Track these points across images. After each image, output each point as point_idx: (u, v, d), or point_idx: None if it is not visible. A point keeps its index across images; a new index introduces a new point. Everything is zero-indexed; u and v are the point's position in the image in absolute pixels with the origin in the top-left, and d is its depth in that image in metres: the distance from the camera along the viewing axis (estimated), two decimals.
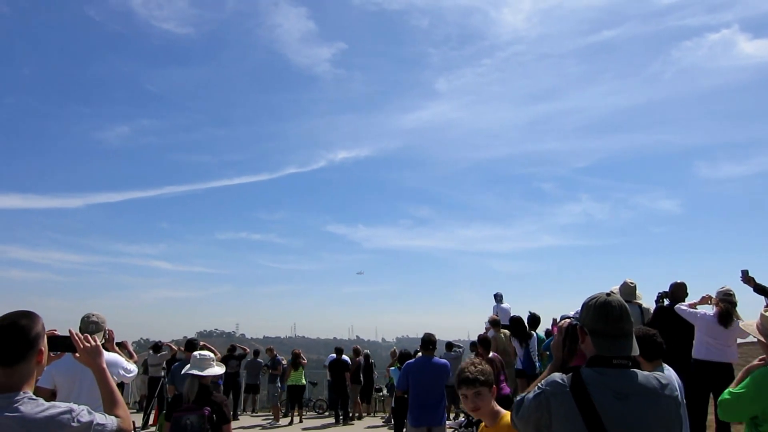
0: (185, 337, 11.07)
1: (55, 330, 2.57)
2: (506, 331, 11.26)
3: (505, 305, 13.47)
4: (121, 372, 5.14)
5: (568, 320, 2.69)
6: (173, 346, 14.05)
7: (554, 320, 10.18)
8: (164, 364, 13.44)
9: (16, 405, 2.07)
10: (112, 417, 2.39)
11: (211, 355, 5.67)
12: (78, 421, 2.14)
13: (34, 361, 2.21)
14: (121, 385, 12.76)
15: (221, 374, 6.07)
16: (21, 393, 2.12)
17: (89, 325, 5.14)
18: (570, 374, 2.39)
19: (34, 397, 2.16)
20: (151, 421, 13.09)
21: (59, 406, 2.14)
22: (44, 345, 2.27)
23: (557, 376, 2.41)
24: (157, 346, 14.21)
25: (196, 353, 5.71)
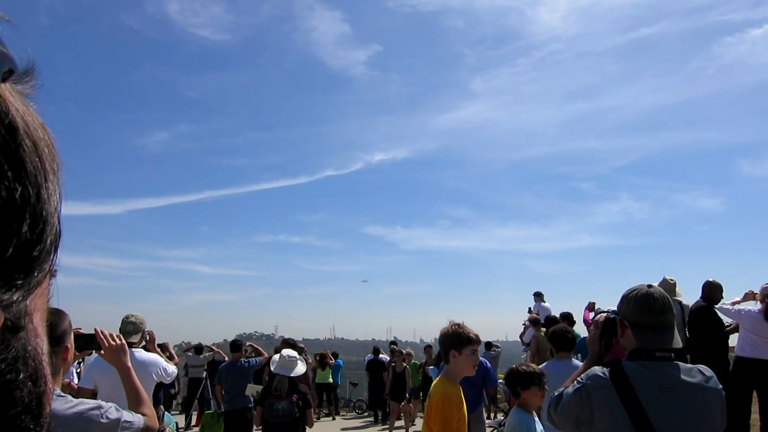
0: (225, 339, 11.20)
1: (80, 328, 2.62)
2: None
3: (545, 304, 13.33)
4: (161, 373, 5.23)
5: (603, 314, 2.68)
6: (214, 348, 14.27)
7: (590, 304, 9.59)
8: (205, 366, 13.62)
9: None
10: (139, 415, 2.42)
11: (296, 355, 6.56)
12: (107, 417, 2.16)
13: (60, 358, 2.23)
14: (172, 386, 13.11)
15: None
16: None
17: (128, 325, 5.27)
18: (611, 368, 2.37)
19: (62, 393, 2.19)
20: (193, 422, 13.29)
21: (87, 403, 2.17)
22: (71, 342, 2.31)
23: (598, 369, 2.39)
24: (198, 348, 14.38)
25: (284, 354, 6.46)
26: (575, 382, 2.42)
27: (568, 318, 10.44)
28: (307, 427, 6.36)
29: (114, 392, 4.94)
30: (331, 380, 15.78)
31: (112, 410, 2.22)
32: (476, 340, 3.63)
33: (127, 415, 2.31)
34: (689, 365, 2.37)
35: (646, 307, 2.42)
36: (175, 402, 14.96)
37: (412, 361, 14.14)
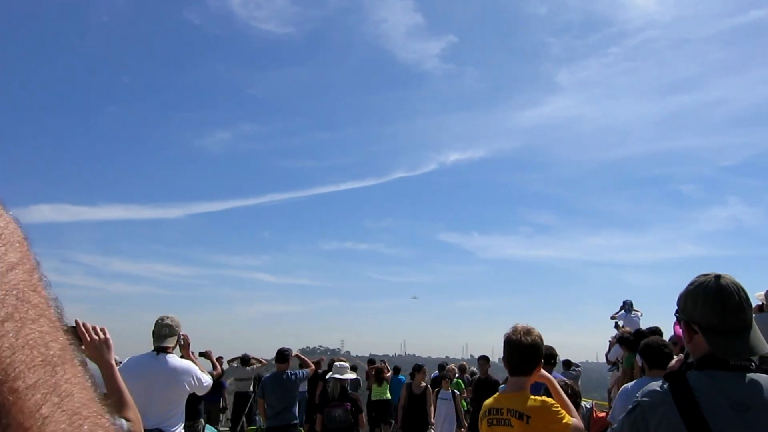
0: None
1: None
2: None
3: (634, 315, 12.62)
4: (194, 382, 5.14)
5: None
6: (262, 360, 14.23)
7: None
8: (253, 379, 13.59)
9: None
10: (122, 420, 2.25)
11: (347, 365, 8.45)
12: None
13: None
14: (219, 400, 13.21)
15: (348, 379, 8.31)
16: None
17: (163, 328, 5.20)
18: (672, 380, 1.99)
19: None
20: None
21: None
22: None
23: (657, 384, 2.04)
24: (245, 359, 14.40)
25: (337, 364, 8.29)
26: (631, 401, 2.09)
27: (656, 333, 9.88)
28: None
29: (144, 400, 4.86)
30: (389, 396, 15.43)
31: None
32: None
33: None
34: None
35: (720, 306, 2.01)
36: (224, 417, 15.04)
37: (455, 379, 13.18)
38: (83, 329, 2.46)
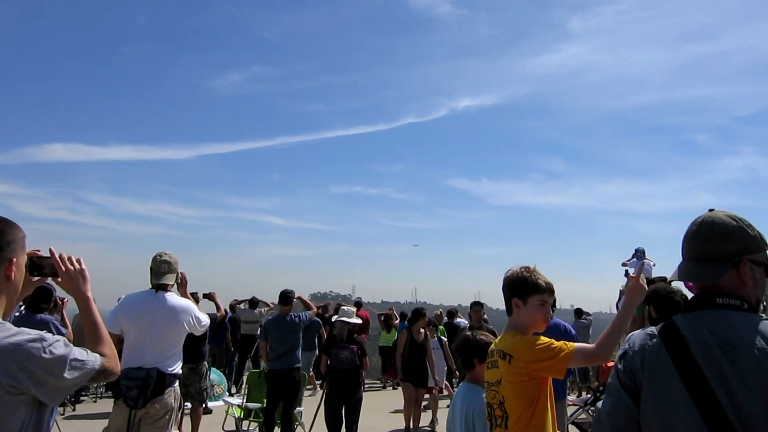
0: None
1: (39, 251, 2.36)
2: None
3: (647, 263, 12.42)
4: (193, 322, 5.14)
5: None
6: (270, 304, 14.25)
7: None
8: (260, 322, 13.60)
9: None
10: (96, 354, 2.15)
11: (353, 310, 8.59)
12: (50, 352, 1.92)
13: (2, 275, 2.02)
14: (222, 341, 13.29)
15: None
16: None
17: (162, 264, 5.17)
18: (661, 324, 1.94)
19: (0, 320, 1.96)
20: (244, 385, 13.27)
21: (28, 333, 1.93)
22: (17, 257, 2.07)
23: (645, 329, 1.99)
24: (253, 302, 14.46)
25: (344, 307, 8.85)
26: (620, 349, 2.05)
27: (667, 283, 9.66)
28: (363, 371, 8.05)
29: (141, 339, 4.92)
30: None
31: (59, 345, 1.98)
32: (546, 289, 3.15)
33: (79, 353, 2.06)
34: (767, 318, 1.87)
35: (703, 234, 1.97)
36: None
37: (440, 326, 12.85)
38: (58, 259, 2.35)
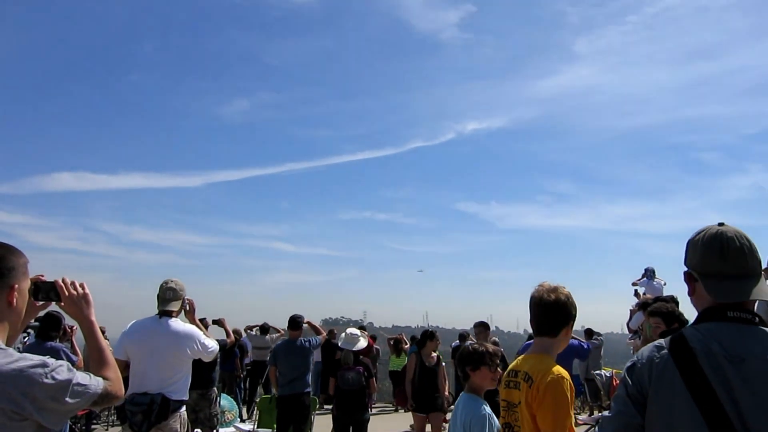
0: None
1: (42, 276, 2.38)
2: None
3: (657, 282, 12.39)
4: (197, 348, 5.10)
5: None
6: (281, 330, 14.21)
7: None
8: (271, 348, 13.54)
9: None
10: (99, 378, 2.15)
11: (359, 332, 8.85)
12: (53, 377, 1.92)
13: (3, 301, 2.02)
14: (233, 366, 13.28)
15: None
16: None
17: (167, 291, 5.18)
18: (670, 336, 1.93)
19: (2, 346, 1.96)
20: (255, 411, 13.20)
21: (31, 359, 1.93)
22: (19, 283, 2.08)
23: (654, 342, 1.97)
24: (264, 328, 14.43)
25: (348, 332, 8.76)
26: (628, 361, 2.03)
27: (674, 302, 9.66)
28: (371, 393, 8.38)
29: (145, 365, 4.92)
30: None
31: (62, 369, 1.98)
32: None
33: (83, 377, 2.05)
34: None
35: (718, 248, 1.94)
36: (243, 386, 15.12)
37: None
38: (61, 284, 2.37)
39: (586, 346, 7.05)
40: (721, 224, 2.03)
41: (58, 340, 7.26)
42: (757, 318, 1.90)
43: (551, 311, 3.10)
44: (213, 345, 5.29)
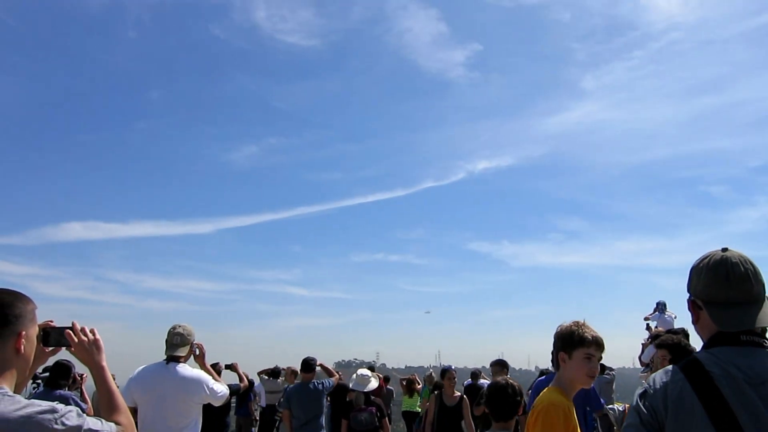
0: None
1: (52, 321, 2.38)
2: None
3: (668, 316, 12.29)
4: (205, 392, 5.02)
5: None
6: (293, 367, 14.11)
7: None
8: (283, 392, 13.46)
9: None
10: (111, 423, 2.13)
11: (369, 373, 8.90)
12: (62, 423, 1.88)
13: (11, 347, 2.00)
14: (247, 411, 13.18)
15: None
16: None
17: (175, 337, 5.13)
18: (683, 362, 1.88)
19: (10, 393, 1.91)
20: None
21: (39, 405, 1.89)
22: (27, 330, 2.06)
23: (666, 367, 1.92)
24: (275, 372, 14.33)
25: (359, 373, 8.72)
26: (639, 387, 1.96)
27: (684, 334, 9.55)
28: None
29: (153, 411, 4.84)
30: (419, 409, 15.27)
31: (71, 415, 1.93)
32: (592, 342, 3.06)
33: (93, 423, 2.01)
34: None
35: (722, 276, 1.90)
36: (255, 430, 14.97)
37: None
38: (71, 330, 2.37)
39: (602, 401, 6.95)
40: (725, 249, 2.00)
41: (67, 389, 7.23)
42: (766, 341, 1.88)
43: (552, 345, 3.17)
44: (222, 389, 5.21)
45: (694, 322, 2.02)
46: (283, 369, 14.33)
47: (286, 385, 13.43)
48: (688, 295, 2.05)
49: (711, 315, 1.91)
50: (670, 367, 1.91)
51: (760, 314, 1.88)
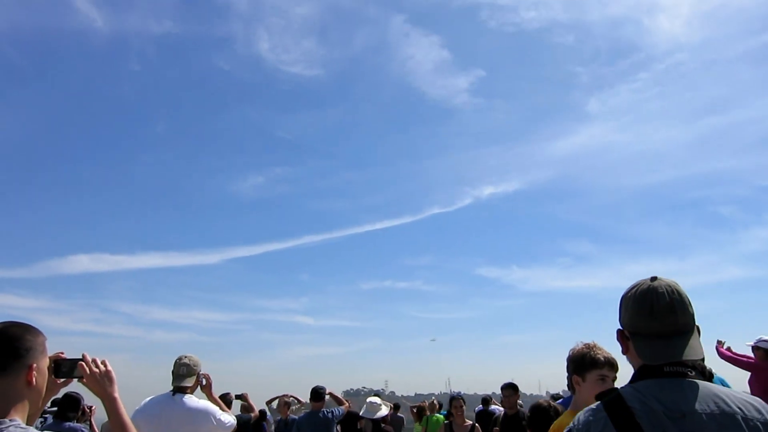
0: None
1: (62, 353, 2.38)
2: None
3: None
4: (212, 423, 4.96)
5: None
6: (301, 400, 14.08)
7: (719, 343, 8.64)
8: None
9: None
10: None
11: (379, 401, 9.32)
12: None
13: (22, 380, 1.99)
14: None
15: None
16: (7, 420, 1.90)
17: (181, 368, 5.07)
18: (607, 398, 1.85)
19: (23, 425, 1.92)
20: None
21: None
22: (38, 362, 2.06)
23: (591, 405, 1.89)
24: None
25: (369, 401, 9.29)
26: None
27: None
28: None
29: None
30: None
31: None
32: (605, 363, 3.05)
33: None
34: (725, 389, 1.81)
35: (647, 307, 1.88)
36: None
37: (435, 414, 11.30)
38: (83, 361, 2.37)
39: None
40: (653, 279, 1.98)
41: (76, 421, 7.20)
42: (692, 371, 1.83)
43: (566, 367, 3.17)
44: (230, 420, 5.17)
45: (624, 352, 2.00)
46: (292, 397, 14.29)
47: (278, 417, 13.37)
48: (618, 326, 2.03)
49: (636, 347, 1.90)
50: (595, 403, 1.88)
51: (687, 347, 1.85)
